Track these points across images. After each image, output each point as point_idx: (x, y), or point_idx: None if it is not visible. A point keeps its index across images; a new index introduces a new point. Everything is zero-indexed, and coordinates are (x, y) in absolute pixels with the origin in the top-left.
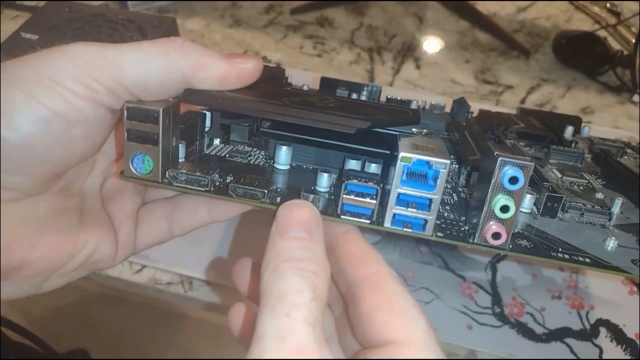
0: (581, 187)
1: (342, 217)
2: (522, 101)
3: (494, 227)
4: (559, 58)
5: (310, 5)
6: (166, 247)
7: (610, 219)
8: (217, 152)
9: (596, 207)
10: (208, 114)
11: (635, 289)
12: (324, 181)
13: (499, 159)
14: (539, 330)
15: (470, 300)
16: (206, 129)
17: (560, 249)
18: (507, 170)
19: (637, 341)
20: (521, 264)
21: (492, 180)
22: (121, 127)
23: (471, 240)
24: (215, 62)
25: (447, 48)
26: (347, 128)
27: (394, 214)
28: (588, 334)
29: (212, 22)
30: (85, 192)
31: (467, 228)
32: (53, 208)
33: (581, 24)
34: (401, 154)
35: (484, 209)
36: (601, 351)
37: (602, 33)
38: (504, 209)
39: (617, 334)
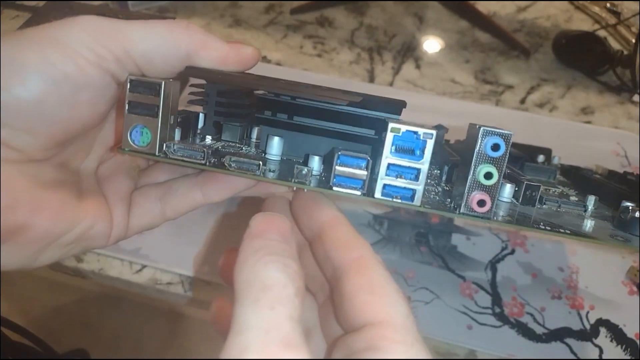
0: (556, 193)
1: (334, 188)
2: (522, 101)
3: (478, 195)
4: (559, 58)
5: (310, 5)
6: (166, 247)
7: (585, 211)
8: (210, 145)
9: (572, 200)
10: (201, 115)
11: (635, 289)
12: (315, 164)
13: (481, 129)
14: (539, 330)
15: (470, 300)
16: (199, 130)
17: (541, 223)
18: (489, 139)
19: (637, 341)
20: (521, 264)
21: (475, 150)
22: (121, 117)
23: (458, 211)
24: (217, 43)
25: (447, 48)
26: (341, 100)
27: (384, 185)
28: (588, 334)
29: (212, 22)
30: (82, 172)
31: (453, 205)
32: (54, 178)
33: (581, 24)
34: (391, 125)
35: (469, 178)
36: (601, 351)
37: (602, 33)
38: (488, 175)
39: (617, 334)
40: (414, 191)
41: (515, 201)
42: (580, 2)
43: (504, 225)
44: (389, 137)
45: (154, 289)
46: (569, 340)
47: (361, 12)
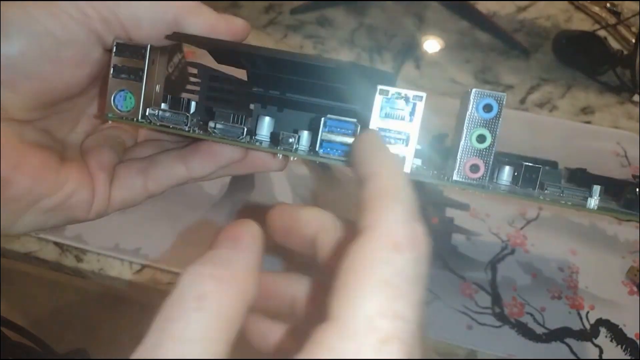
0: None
1: (320, 155)
2: (522, 101)
3: (471, 160)
4: (559, 58)
5: (310, 5)
6: (166, 247)
7: (590, 196)
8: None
9: (575, 187)
10: (194, 103)
11: (635, 289)
12: (304, 138)
13: (473, 90)
14: (539, 330)
15: (470, 300)
16: (189, 114)
17: (540, 196)
18: (481, 100)
19: (637, 341)
20: (521, 264)
21: (467, 113)
22: (106, 87)
23: (450, 179)
24: (206, 10)
25: (447, 48)
26: (330, 63)
27: None
28: (588, 334)
29: None
30: (67, 143)
31: (447, 178)
32: (37, 140)
33: (581, 24)
34: (379, 87)
35: (461, 143)
36: (601, 351)
37: (602, 33)
38: (481, 138)
39: (617, 334)
40: (403, 157)
41: (514, 185)
42: (580, 2)
43: (502, 194)
44: (378, 100)
45: (154, 289)
46: (569, 340)
47: (361, 12)
